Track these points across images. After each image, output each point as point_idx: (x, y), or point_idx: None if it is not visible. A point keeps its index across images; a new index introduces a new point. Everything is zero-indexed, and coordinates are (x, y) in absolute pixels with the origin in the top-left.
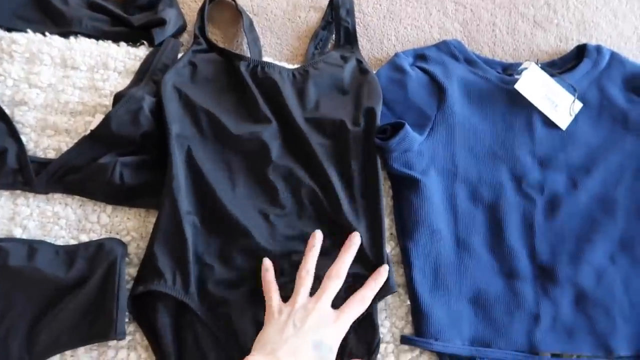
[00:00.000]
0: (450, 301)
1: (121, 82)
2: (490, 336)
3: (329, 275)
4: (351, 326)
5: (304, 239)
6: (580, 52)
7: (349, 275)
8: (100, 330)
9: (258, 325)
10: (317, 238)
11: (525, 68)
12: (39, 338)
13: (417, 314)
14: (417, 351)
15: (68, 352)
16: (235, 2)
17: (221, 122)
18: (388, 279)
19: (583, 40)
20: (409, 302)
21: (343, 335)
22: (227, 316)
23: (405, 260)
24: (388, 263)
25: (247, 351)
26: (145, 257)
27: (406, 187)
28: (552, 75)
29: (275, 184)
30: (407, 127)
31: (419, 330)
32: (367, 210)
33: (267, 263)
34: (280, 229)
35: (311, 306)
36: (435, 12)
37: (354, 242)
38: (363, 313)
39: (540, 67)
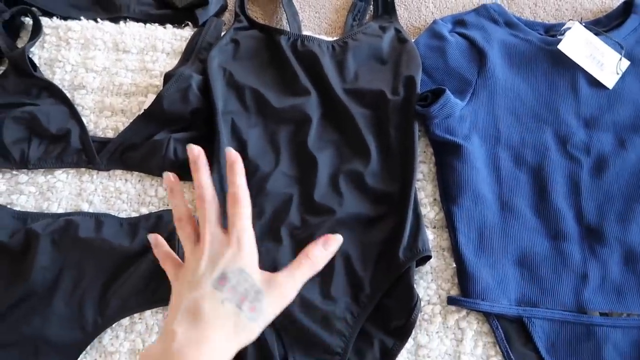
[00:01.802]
0: (496, 263)
1: (169, 63)
2: (537, 296)
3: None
4: (388, 291)
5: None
6: (628, 7)
7: None
8: (164, 295)
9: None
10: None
11: (569, 28)
12: (110, 303)
13: (463, 275)
14: (463, 312)
15: (136, 315)
16: None
17: (264, 97)
18: (424, 243)
19: None
20: (454, 265)
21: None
22: None
23: (450, 224)
24: (420, 226)
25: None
26: None
27: (449, 153)
28: (597, 33)
29: (314, 155)
30: (448, 92)
31: (466, 291)
32: (401, 178)
33: (157, 239)
34: (319, 199)
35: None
36: None
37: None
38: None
39: (585, 26)
